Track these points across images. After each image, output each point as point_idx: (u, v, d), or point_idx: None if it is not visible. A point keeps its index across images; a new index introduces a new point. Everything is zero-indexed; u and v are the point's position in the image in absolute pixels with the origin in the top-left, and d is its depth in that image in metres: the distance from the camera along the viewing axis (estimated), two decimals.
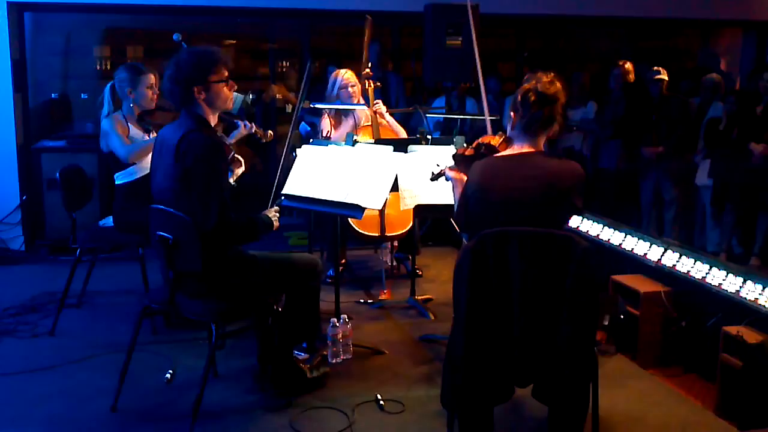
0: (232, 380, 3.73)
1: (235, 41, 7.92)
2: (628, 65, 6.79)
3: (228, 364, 3.86)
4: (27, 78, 6.50)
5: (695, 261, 4.08)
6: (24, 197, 6.25)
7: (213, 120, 3.30)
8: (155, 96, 4.47)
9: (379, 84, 5.38)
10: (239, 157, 3.60)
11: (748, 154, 5.89)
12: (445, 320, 4.43)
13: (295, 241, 6.32)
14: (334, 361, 3.93)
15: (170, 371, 3.74)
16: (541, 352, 2.79)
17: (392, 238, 5.12)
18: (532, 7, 7.17)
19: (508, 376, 2.85)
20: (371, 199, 3.84)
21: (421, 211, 4.32)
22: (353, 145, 4.16)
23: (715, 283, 3.88)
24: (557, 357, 2.76)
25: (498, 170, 2.94)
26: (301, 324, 3.55)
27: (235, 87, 3.33)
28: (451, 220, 4.30)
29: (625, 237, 4.68)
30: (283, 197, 3.94)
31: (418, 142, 4.56)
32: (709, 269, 3.96)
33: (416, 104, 5.65)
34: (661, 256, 4.30)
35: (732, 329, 3.48)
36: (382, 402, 3.48)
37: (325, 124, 5.25)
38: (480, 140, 3.22)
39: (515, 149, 3.00)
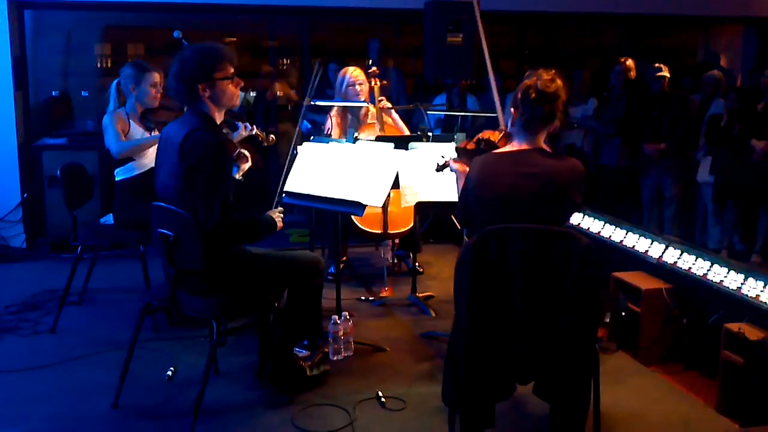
0: (233, 377, 3.73)
1: (235, 39, 7.91)
2: (630, 62, 6.78)
3: (229, 361, 3.86)
4: (27, 76, 6.50)
5: (696, 258, 4.08)
6: (25, 195, 6.25)
7: (219, 118, 3.27)
8: (158, 95, 4.46)
9: (385, 82, 5.39)
10: (245, 152, 3.59)
11: (749, 151, 5.88)
12: (446, 317, 4.43)
13: (296, 238, 6.31)
14: (335, 358, 3.93)
15: (171, 368, 3.73)
16: (542, 349, 2.79)
17: (395, 236, 5.12)
18: (533, 4, 7.16)
19: (510, 373, 2.85)
20: (372, 196, 3.84)
21: (422, 208, 4.32)
22: (354, 142, 4.16)
23: (716, 280, 3.88)
24: (558, 354, 2.76)
25: (496, 167, 2.94)
26: (302, 322, 3.55)
27: (242, 84, 3.28)
28: (452, 216, 4.31)
29: (626, 234, 4.68)
30: (284, 195, 3.93)
31: (419, 139, 4.55)
32: (711, 266, 3.96)
33: (417, 101, 5.65)
34: (663, 253, 4.30)
35: (733, 326, 3.48)
36: (383, 399, 3.48)
37: (330, 122, 5.24)
38: (480, 135, 3.23)
39: (515, 146, 3.00)
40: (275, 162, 6.77)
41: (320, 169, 4.03)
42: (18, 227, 6.24)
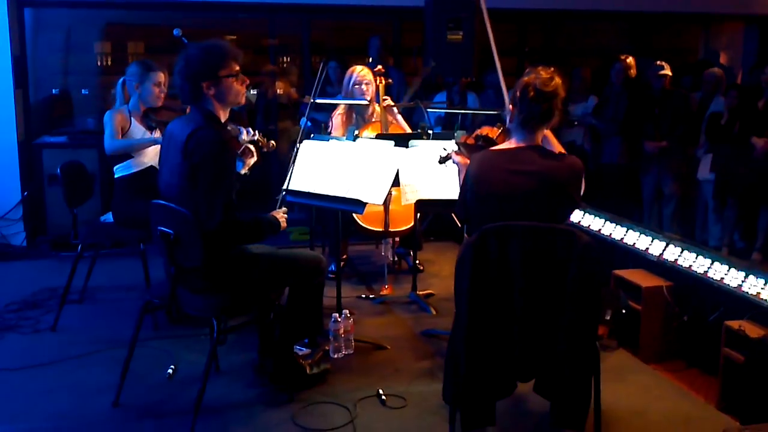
0: (233, 375, 3.73)
1: (235, 37, 7.91)
2: (630, 60, 6.77)
3: (229, 359, 3.86)
4: (28, 74, 6.50)
5: (697, 256, 4.07)
6: (25, 193, 6.25)
7: (224, 116, 3.25)
8: (162, 95, 4.46)
9: (390, 80, 5.40)
10: (251, 146, 3.58)
11: (749, 149, 5.88)
12: (446, 315, 4.43)
13: (296, 236, 6.31)
14: (335, 356, 3.93)
15: (172, 367, 3.74)
16: (542, 346, 2.79)
17: (396, 234, 5.12)
18: (534, 2, 7.15)
19: (510, 370, 2.85)
20: (372, 194, 3.83)
21: (422, 205, 4.32)
22: (354, 140, 4.15)
23: (717, 277, 3.87)
24: (559, 352, 2.76)
25: (493, 164, 2.95)
26: (303, 320, 3.54)
27: (247, 82, 3.26)
28: (453, 214, 4.31)
29: (626, 232, 4.67)
30: (284, 192, 3.92)
31: (419, 136, 4.55)
32: (711, 264, 3.95)
33: (417, 99, 5.65)
34: (663, 250, 4.29)
35: (734, 324, 3.48)
36: (383, 397, 3.48)
37: (337, 121, 5.24)
38: (479, 131, 3.25)
39: (513, 143, 3.00)
40: (275, 160, 6.76)
41: (321, 167, 4.03)
42: (18, 225, 6.24)
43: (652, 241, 4.42)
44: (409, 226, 4.99)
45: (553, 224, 2.78)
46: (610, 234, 4.78)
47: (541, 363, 2.83)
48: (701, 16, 8.16)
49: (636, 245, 4.52)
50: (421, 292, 4.91)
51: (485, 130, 3.25)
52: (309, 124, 6.02)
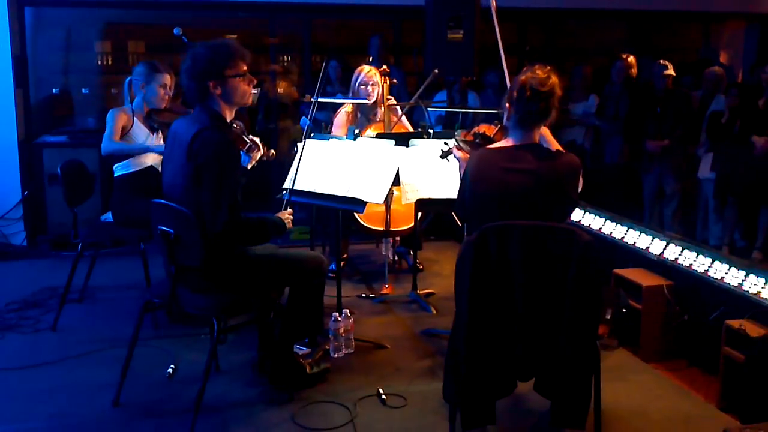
0: (233, 375, 3.73)
1: (236, 36, 7.90)
2: (631, 59, 6.77)
3: (230, 358, 3.86)
4: (28, 73, 6.49)
5: (697, 255, 4.07)
6: (25, 192, 6.25)
7: (229, 115, 3.23)
8: (167, 97, 4.45)
9: (395, 81, 5.39)
10: (256, 139, 3.57)
11: (750, 148, 5.87)
12: (446, 314, 4.43)
13: (297, 235, 6.30)
14: (335, 355, 3.93)
15: (172, 366, 3.74)
16: (543, 346, 2.79)
17: (397, 234, 5.12)
18: (534, 1, 7.14)
19: (510, 370, 2.85)
20: (373, 193, 3.83)
21: (422, 205, 4.32)
22: (354, 140, 4.15)
23: (717, 276, 3.87)
24: (559, 351, 2.76)
25: (491, 162, 2.95)
26: (303, 320, 3.53)
27: (254, 82, 3.24)
28: (453, 213, 4.31)
29: (627, 231, 4.67)
30: (285, 191, 3.92)
31: (419, 135, 4.55)
32: (712, 263, 3.95)
33: (418, 98, 5.64)
34: (664, 249, 4.29)
35: (734, 323, 3.47)
36: (384, 396, 3.48)
37: (341, 118, 5.23)
38: (476, 129, 3.25)
39: (510, 142, 3.01)
40: (275, 160, 6.74)
41: (321, 167, 4.03)
42: (18, 225, 6.25)
43: (652, 240, 4.42)
44: (410, 226, 4.99)
45: (554, 223, 2.78)
46: (611, 233, 4.78)
47: (542, 362, 2.82)
48: (702, 15, 8.15)
49: (636, 244, 4.52)
50: (421, 292, 4.91)
51: (482, 128, 3.26)
52: (310, 123, 6.02)
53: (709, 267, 3.95)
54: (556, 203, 2.90)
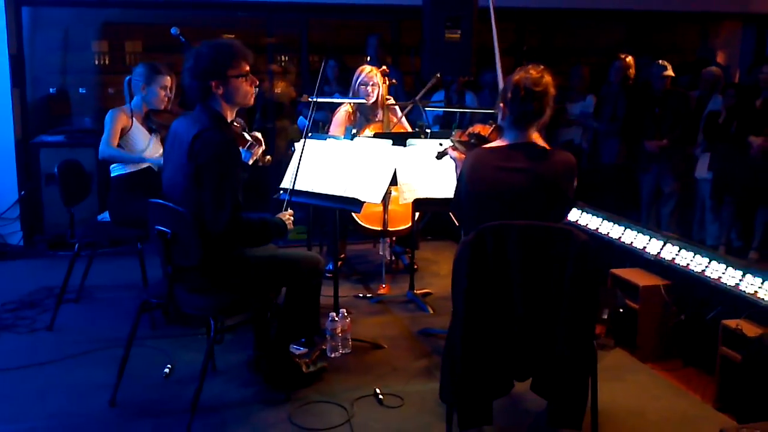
0: (230, 375, 3.72)
1: (233, 36, 7.89)
2: (629, 59, 6.77)
3: (226, 358, 3.85)
4: (25, 73, 6.48)
5: (694, 254, 4.08)
6: (22, 192, 6.24)
7: (230, 115, 3.23)
8: (167, 99, 4.45)
9: (394, 81, 5.40)
10: (257, 134, 3.56)
11: (747, 148, 5.88)
12: (443, 314, 4.42)
13: (294, 235, 6.27)
14: (332, 355, 3.92)
15: (169, 366, 3.74)
16: (540, 345, 2.79)
17: (395, 234, 5.12)
18: (532, 0, 7.14)
19: (507, 369, 2.85)
20: (370, 193, 3.83)
21: (419, 205, 4.32)
22: (351, 139, 4.15)
23: (714, 276, 3.88)
24: (556, 351, 2.76)
25: (486, 162, 2.96)
26: (300, 320, 3.53)
27: (257, 82, 3.23)
28: (450, 213, 4.31)
29: (624, 230, 4.68)
30: (282, 191, 3.91)
31: (417, 135, 4.55)
32: (709, 263, 3.96)
33: (415, 98, 5.64)
34: (661, 249, 4.30)
35: (731, 322, 3.48)
36: (380, 396, 3.48)
37: (341, 117, 5.23)
38: (471, 129, 3.26)
39: (504, 141, 3.02)
40: (273, 159, 6.75)
41: (318, 166, 4.02)
42: (15, 225, 6.23)
43: (649, 240, 4.43)
44: (407, 226, 4.99)
45: (551, 223, 2.78)
46: (608, 233, 4.78)
47: (538, 362, 2.83)
48: (699, 15, 8.16)
49: (633, 244, 4.53)
50: (418, 291, 4.91)
51: (477, 128, 3.26)
52: (305, 122, 6.01)
53: (706, 267, 3.96)
54: (551, 201, 2.91)
